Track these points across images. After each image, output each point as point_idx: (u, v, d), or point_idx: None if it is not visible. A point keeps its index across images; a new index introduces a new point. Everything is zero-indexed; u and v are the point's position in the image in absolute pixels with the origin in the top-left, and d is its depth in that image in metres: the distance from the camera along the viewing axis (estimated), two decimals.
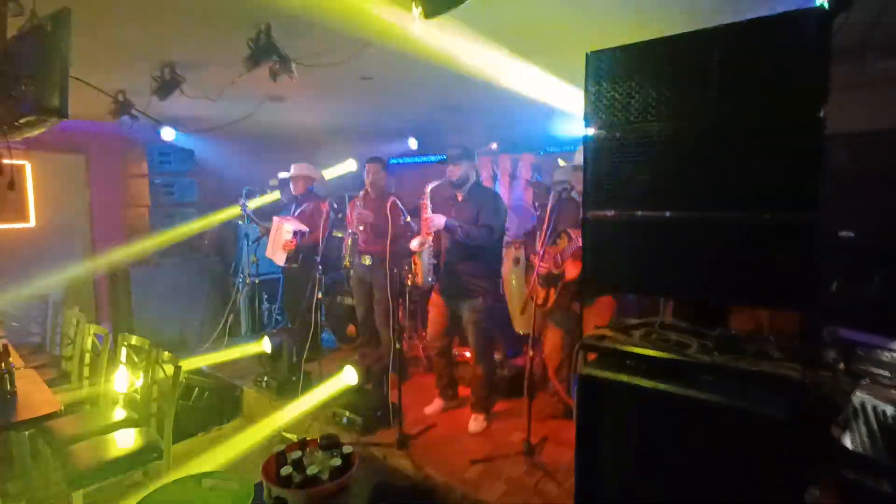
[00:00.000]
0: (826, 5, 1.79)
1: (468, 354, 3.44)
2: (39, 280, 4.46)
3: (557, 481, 2.53)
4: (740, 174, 1.62)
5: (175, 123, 4.37)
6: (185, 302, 4.80)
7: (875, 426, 1.61)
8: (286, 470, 1.32)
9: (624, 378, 1.75)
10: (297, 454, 1.37)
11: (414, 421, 3.19)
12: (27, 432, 2.68)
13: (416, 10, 1.81)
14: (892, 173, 2.62)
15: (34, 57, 1.61)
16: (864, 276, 2.41)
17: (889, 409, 1.65)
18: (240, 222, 4.98)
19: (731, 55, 1.56)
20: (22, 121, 1.64)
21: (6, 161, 1.83)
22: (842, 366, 1.87)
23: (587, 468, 1.84)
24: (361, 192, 3.73)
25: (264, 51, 2.39)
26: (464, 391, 3.49)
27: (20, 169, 4.57)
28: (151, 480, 2.63)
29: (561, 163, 3.08)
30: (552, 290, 2.87)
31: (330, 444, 1.46)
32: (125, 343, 2.98)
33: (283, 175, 4.27)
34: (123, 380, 2.95)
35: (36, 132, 1.76)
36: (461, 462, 2.77)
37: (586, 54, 1.79)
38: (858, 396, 1.72)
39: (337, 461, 1.37)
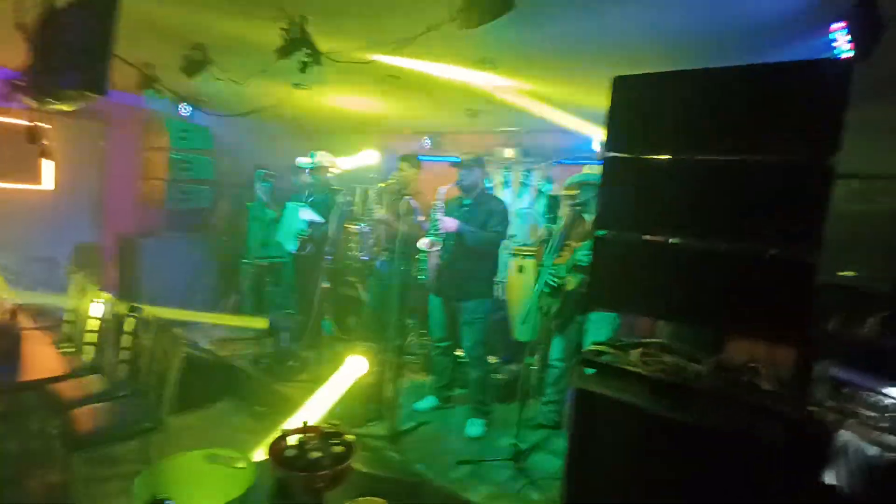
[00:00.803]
0: (842, 52, 1.85)
1: (462, 355, 3.50)
2: (49, 242, 4.52)
3: (541, 489, 2.59)
4: (749, 209, 1.67)
5: (198, 101, 4.41)
6: (192, 278, 4.86)
7: (855, 465, 1.67)
8: (291, 452, 1.38)
9: (619, 395, 1.80)
10: (301, 437, 1.43)
11: (406, 416, 3.25)
12: (27, 392, 2.73)
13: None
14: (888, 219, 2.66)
15: (81, 32, 1.66)
16: (861, 317, 2.46)
17: (871, 450, 1.71)
18: (248, 204, 5.03)
19: (754, 94, 1.61)
20: (62, 93, 1.70)
21: (33, 123, 1.89)
22: (831, 403, 1.93)
23: (575, 478, 1.89)
24: (380, 185, 3.72)
25: (298, 43, 2.43)
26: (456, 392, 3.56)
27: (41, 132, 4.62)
28: (149, 451, 2.69)
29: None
30: (555, 301, 2.94)
31: (333, 432, 1.51)
32: (131, 312, 3.03)
33: (300, 160, 4.30)
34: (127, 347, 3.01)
35: (70, 105, 1.82)
36: (449, 461, 2.83)
37: (613, 78, 1.83)
38: (844, 435, 1.78)
39: (340, 448, 1.43)
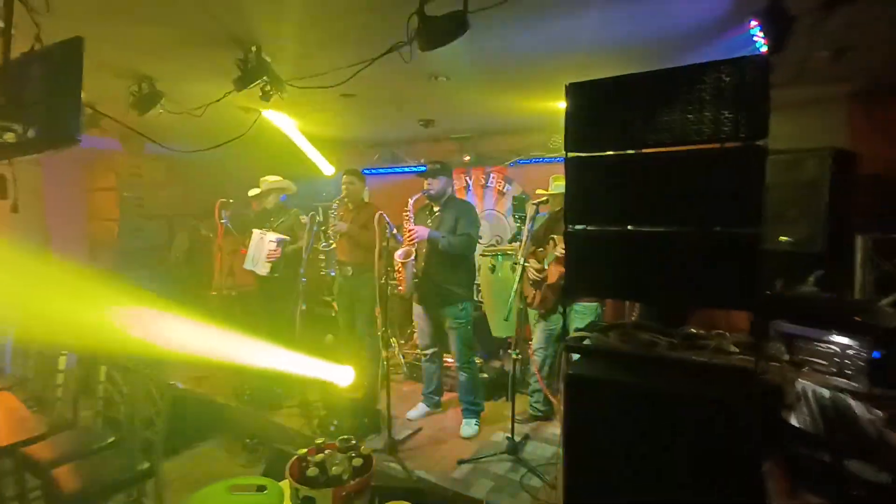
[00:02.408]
0: (760, 47, 2.10)
1: (450, 360, 3.59)
2: None
3: (541, 475, 2.73)
4: (698, 194, 1.86)
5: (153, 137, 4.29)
6: None
7: (815, 407, 1.89)
8: (312, 471, 1.42)
9: (604, 375, 1.95)
10: (319, 457, 1.47)
11: (400, 426, 3.30)
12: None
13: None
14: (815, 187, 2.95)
15: (43, 83, 1.65)
16: (800, 277, 2.74)
17: (826, 393, 1.94)
18: (210, 234, 4.92)
19: (692, 91, 1.80)
20: (28, 144, 1.67)
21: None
22: (786, 356, 2.17)
23: (574, 459, 2.01)
24: (335, 202, 3.77)
25: (256, 72, 2.46)
26: (445, 396, 3.65)
27: None
28: (143, 500, 2.61)
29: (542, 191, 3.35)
30: (538, 293, 3.10)
31: (348, 447, 1.56)
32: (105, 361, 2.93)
33: (252, 191, 4.28)
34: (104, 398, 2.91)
35: (36, 154, 1.79)
36: (449, 463, 2.91)
37: (566, 85, 1.98)
38: (801, 382, 2.01)
39: (359, 461, 1.48)
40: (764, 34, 2.01)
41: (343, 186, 3.75)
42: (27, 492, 2.65)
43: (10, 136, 1.67)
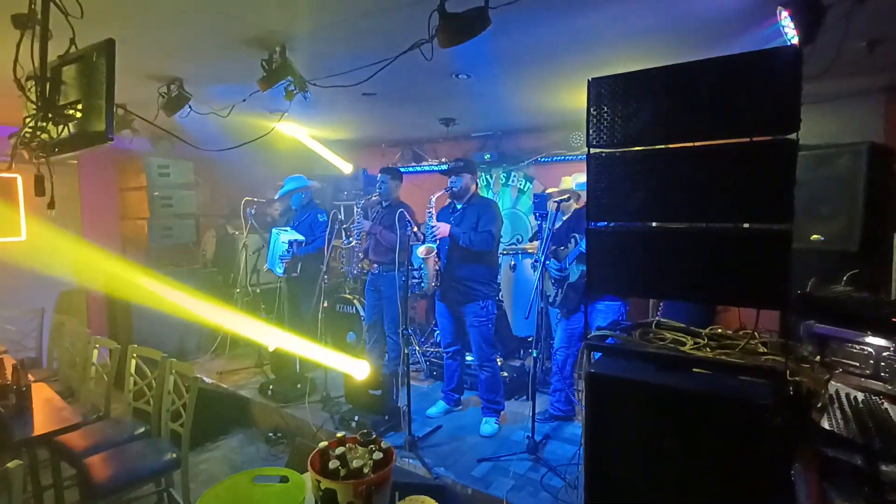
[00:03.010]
0: (794, 39, 2.03)
1: (470, 358, 3.58)
2: (32, 294, 4.43)
3: (561, 475, 2.70)
4: (725, 189, 1.80)
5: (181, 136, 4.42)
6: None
7: (849, 410, 1.83)
8: (333, 464, 1.43)
9: (627, 375, 1.92)
10: (340, 450, 1.49)
11: (420, 423, 3.32)
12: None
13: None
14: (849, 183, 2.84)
15: (80, 84, 1.71)
16: (834, 276, 2.65)
17: (860, 396, 1.87)
18: (236, 232, 5.04)
19: (718, 84, 1.76)
20: (66, 144, 1.73)
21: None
22: (818, 358, 2.09)
23: (595, 459, 1.99)
24: (362, 202, 3.82)
25: (280, 72, 2.50)
26: (465, 394, 3.65)
27: (12, 182, 4.54)
28: (171, 490, 2.68)
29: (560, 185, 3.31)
30: (559, 291, 3.08)
31: (369, 440, 1.58)
32: (134, 354, 3.02)
33: (276, 196, 4.37)
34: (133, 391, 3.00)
35: (72, 153, 1.85)
36: (469, 461, 2.91)
37: (588, 80, 1.96)
38: (833, 385, 1.94)
39: (379, 455, 1.50)
40: (794, 25, 1.94)
41: (377, 185, 3.78)
42: (62, 479, 2.75)
43: (45, 136, 1.74)
